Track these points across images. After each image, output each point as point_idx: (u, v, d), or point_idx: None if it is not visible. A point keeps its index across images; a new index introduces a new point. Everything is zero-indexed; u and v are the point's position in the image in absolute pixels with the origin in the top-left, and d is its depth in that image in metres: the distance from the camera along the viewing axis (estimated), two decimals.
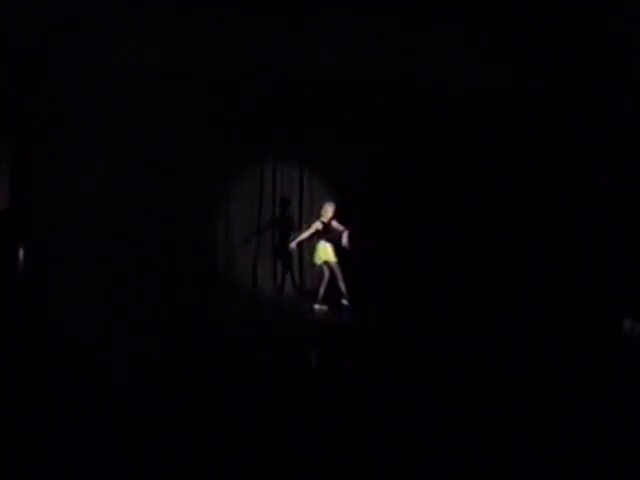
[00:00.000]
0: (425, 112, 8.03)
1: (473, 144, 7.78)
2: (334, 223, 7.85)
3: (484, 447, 3.61)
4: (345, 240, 7.68)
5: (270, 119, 8.41)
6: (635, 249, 6.35)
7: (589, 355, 5.25)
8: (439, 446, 3.60)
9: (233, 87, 8.02)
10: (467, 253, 7.69)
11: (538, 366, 5.01)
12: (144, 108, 7.12)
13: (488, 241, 7.50)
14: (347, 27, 6.99)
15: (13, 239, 6.41)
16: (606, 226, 6.59)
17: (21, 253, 6.37)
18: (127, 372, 4.68)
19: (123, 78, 7.00)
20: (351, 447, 3.61)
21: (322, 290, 7.84)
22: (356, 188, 8.71)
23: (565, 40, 6.83)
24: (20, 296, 6.16)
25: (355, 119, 8.31)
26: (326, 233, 7.86)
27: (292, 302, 8.57)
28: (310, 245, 8.32)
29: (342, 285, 7.80)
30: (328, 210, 7.88)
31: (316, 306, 7.79)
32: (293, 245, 8.23)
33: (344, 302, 7.82)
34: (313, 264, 8.22)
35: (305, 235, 8.09)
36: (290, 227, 9.01)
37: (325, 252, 7.85)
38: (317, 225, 7.91)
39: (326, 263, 7.86)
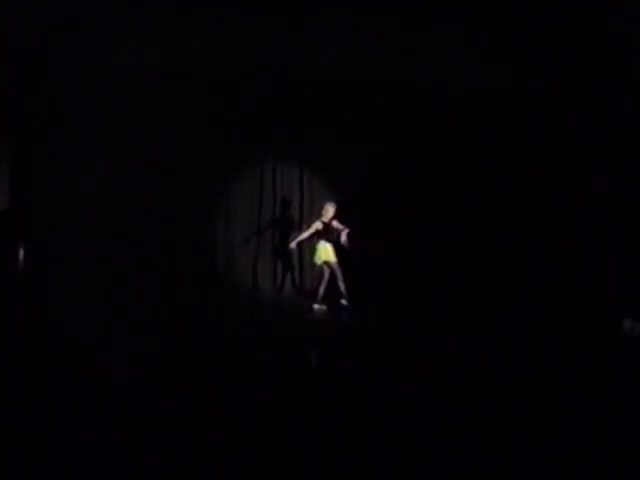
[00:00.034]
0: (425, 112, 8.02)
1: (473, 144, 7.78)
2: (334, 223, 7.86)
3: (484, 447, 3.61)
4: (344, 238, 7.68)
5: (270, 119, 8.41)
6: (635, 249, 6.35)
7: (589, 355, 5.25)
8: (439, 446, 3.60)
9: (233, 87, 8.02)
10: (467, 253, 7.69)
11: (538, 366, 5.01)
12: (144, 108, 7.12)
13: (488, 241, 7.50)
14: (347, 27, 6.99)
15: (13, 239, 6.41)
16: (606, 226, 6.59)
17: (21, 253, 6.37)
18: (127, 372, 4.68)
19: (123, 78, 6.99)
20: (351, 447, 3.61)
21: (322, 290, 7.84)
22: (356, 188, 8.70)
23: (565, 40, 6.82)
24: (20, 296, 6.16)
25: (355, 119, 8.30)
26: (326, 233, 7.87)
27: (292, 302, 8.56)
28: (310, 245, 8.32)
29: (342, 285, 7.80)
30: (329, 210, 7.89)
31: (316, 306, 7.80)
32: (293, 245, 8.24)
33: (344, 302, 7.83)
34: (313, 264, 8.22)
35: (305, 235, 8.10)
36: (290, 227, 9.00)
37: (325, 252, 7.85)
38: (317, 225, 7.92)
39: (326, 263, 7.87)
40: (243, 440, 3.65)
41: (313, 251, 8.08)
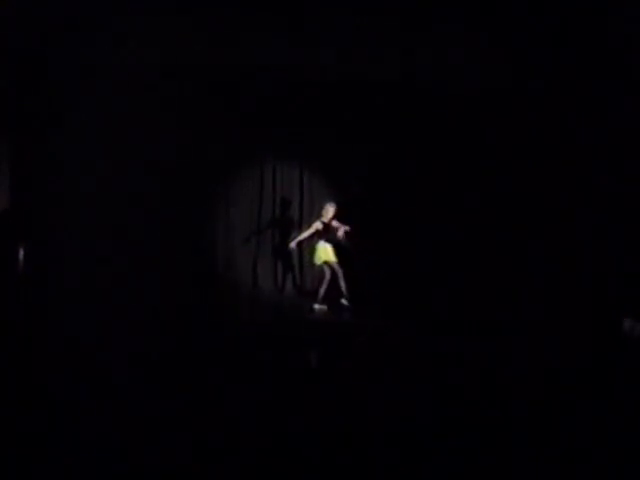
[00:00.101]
0: (425, 112, 8.02)
1: (473, 144, 7.78)
2: (334, 223, 7.86)
3: (484, 447, 3.61)
4: (341, 233, 7.70)
5: (270, 119, 8.41)
6: (635, 249, 6.35)
7: (589, 355, 5.25)
8: (439, 446, 3.60)
9: (233, 87, 8.02)
10: (467, 253, 7.69)
11: (538, 366, 5.01)
12: (144, 108, 7.12)
13: (488, 241, 7.50)
14: (347, 27, 6.99)
15: (13, 239, 6.41)
16: (606, 226, 6.59)
17: (21, 253, 6.37)
18: (127, 372, 4.68)
19: (123, 78, 7.00)
20: (351, 447, 3.61)
21: (323, 290, 7.84)
22: (356, 188, 8.70)
23: (565, 40, 6.83)
24: (20, 296, 6.16)
25: (355, 119, 8.30)
26: (326, 233, 7.87)
27: (292, 302, 8.57)
28: (310, 245, 8.32)
29: (343, 285, 7.81)
30: (329, 210, 7.89)
31: (316, 306, 7.80)
32: (293, 245, 8.24)
33: (344, 302, 7.83)
34: (313, 264, 8.23)
35: (305, 235, 8.10)
36: (290, 227, 9.00)
37: (325, 252, 7.85)
38: (317, 225, 7.92)
39: (326, 263, 7.87)
40: (243, 440, 3.65)
41: (313, 251, 8.09)
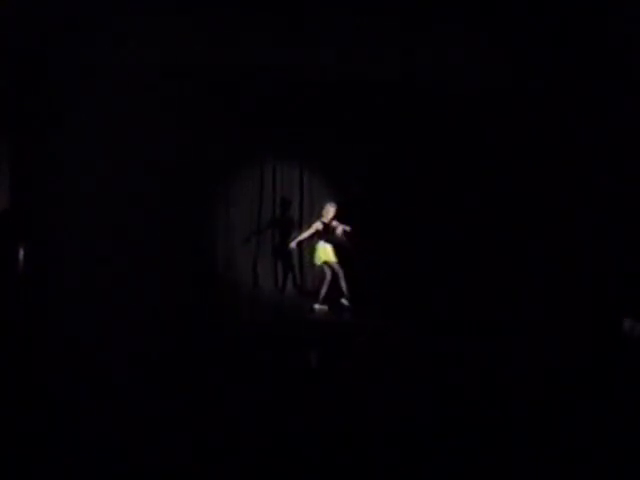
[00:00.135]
0: (425, 112, 8.02)
1: (473, 144, 7.78)
2: (334, 223, 7.86)
3: (484, 447, 3.61)
4: (339, 230, 7.70)
5: (270, 119, 8.41)
6: (635, 249, 6.35)
7: (589, 355, 5.25)
8: (439, 446, 3.60)
9: (233, 87, 8.02)
10: (467, 253, 7.69)
11: (538, 366, 5.01)
12: (144, 108, 7.12)
13: (488, 241, 7.50)
14: (347, 27, 6.99)
15: (13, 239, 6.41)
16: (606, 226, 6.59)
17: (21, 253, 6.37)
18: (127, 372, 4.68)
19: (123, 78, 6.99)
20: (351, 447, 3.61)
21: (324, 290, 7.84)
22: (356, 188, 8.70)
23: (565, 40, 6.82)
24: (20, 296, 6.16)
25: (355, 119, 8.30)
26: (326, 233, 7.87)
27: (292, 302, 8.57)
28: (310, 245, 8.32)
29: (343, 284, 7.81)
30: (329, 211, 7.89)
31: (316, 306, 7.80)
32: (293, 245, 8.24)
33: (344, 302, 7.83)
34: (313, 265, 8.23)
35: (305, 235, 8.10)
36: (290, 227, 9.00)
37: (325, 253, 7.86)
38: (317, 225, 7.92)
39: (326, 263, 7.87)
40: (243, 440, 3.65)
41: (313, 252, 8.09)
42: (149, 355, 5.09)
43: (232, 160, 8.78)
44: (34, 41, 6.54)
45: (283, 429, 3.82)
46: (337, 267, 7.83)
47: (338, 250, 7.88)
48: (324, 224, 7.87)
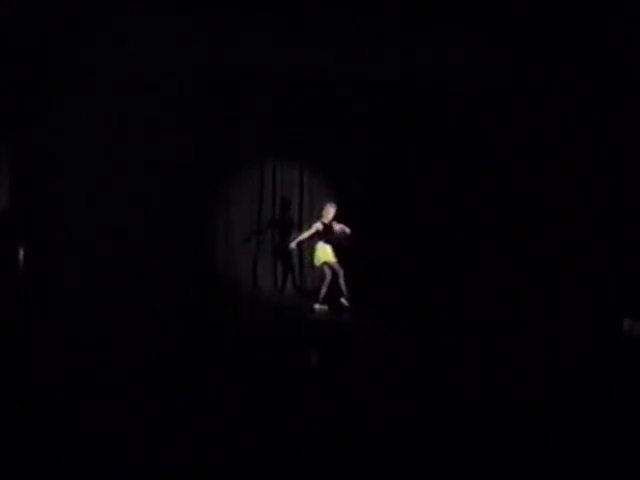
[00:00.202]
0: (425, 112, 8.02)
1: (473, 144, 7.78)
2: (335, 224, 7.86)
3: (484, 447, 3.61)
4: (338, 227, 7.71)
5: (270, 119, 8.41)
6: (635, 249, 6.35)
7: (589, 355, 5.25)
8: (439, 446, 3.60)
9: (233, 87, 8.02)
10: (467, 253, 7.69)
11: (538, 366, 5.01)
12: (144, 108, 7.12)
13: (488, 241, 7.50)
14: (347, 27, 7.00)
15: (13, 239, 6.41)
16: (606, 226, 6.59)
17: (21, 253, 6.37)
18: (127, 372, 4.68)
19: (123, 78, 7.00)
20: (351, 447, 3.61)
21: (324, 291, 7.83)
22: (356, 188, 8.70)
23: (565, 40, 6.83)
24: (20, 296, 6.16)
25: (355, 119, 8.30)
26: (326, 234, 7.87)
27: (292, 302, 8.56)
28: (310, 245, 8.31)
29: (343, 284, 7.80)
30: (330, 211, 7.88)
31: (317, 306, 7.80)
32: (293, 245, 8.23)
33: (344, 302, 7.83)
34: (312, 265, 8.22)
35: (305, 235, 8.09)
36: (290, 227, 9.00)
37: (324, 253, 7.85)
38: (318, 226, 7.91)
39: (326, 264, 7.86)
40: (243, 440, 3.65)
41: (312, 252, 8.08)
42: (149, 355, 5.08)
43: (232, 160, 8.77)
44: (34, 41, 6.55)
45: (283, 429, 3.82)
46: (337, 267, 7.83)
47: (338, 250, 7.88)
48: (324, 225, 7.87)
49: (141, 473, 3.27)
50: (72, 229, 6.90)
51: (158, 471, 3.28)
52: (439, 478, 3.34)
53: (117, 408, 3.97)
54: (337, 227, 7.81)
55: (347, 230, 7.81)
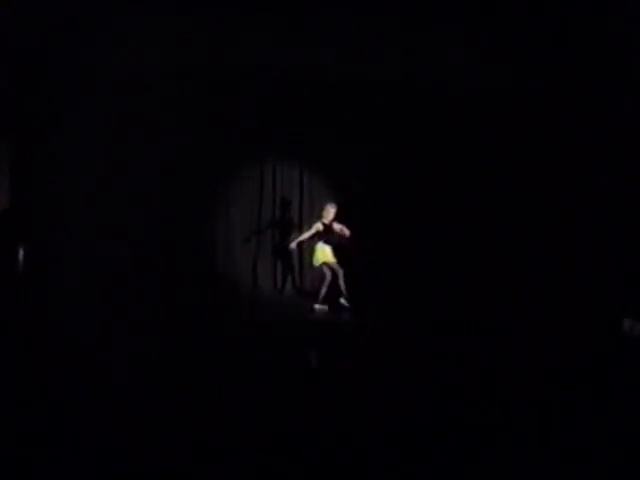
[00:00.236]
0: (425, 112, 8.02)
1: (473, 144, 7.77)
2: (335, 224, 7.86)
3: (484, 447, 3.61)
4: (337, 226, 7.71)
5: (270, 119, 8.41)
6: (635, 249, 6.35)
7: (589, 355, 5.25)
8: (439, 446, 3.60)
9: (233, 87, 8.02)
10: (467, 253, 7.68)
11: (538, 366, 5.01)
12: (144, 108, 7.12)
13: (488, 241, 7.50)
14: (347, 27, 6.99)
15: (13, 239, 6.41)
16: (606, 226, 6.59)
17: (21, 253, 6.37)
18: (127, 372, 4.68)
19: (123, 78, 6.99)
20: (351, 447, 3.61)
21: (324, 291, 7.84)
22: (356, 188, 8.70)
23: (565, 40, 6.82)
24: (20, 296, 6.16)
25: (355, 119, 8.30)
26: (326, 234, 7.87)
27: (292, 302, 8.57)
28: (310, 246, 8.31)
29: (343, 284, 7.81)
30: (330, 211, 7.89)
31: (317, 306, 7.80)
32: (293, 245, 8.23)
33: (344, 302, 7.83)
34: (312, 265, 8.22)
35: (306, 235, 8.09)
36: (290, 227, 9.00)
37: (323, 254, 7.85)
38: (318, 226, 7.91)
39: (325, 264, 7.86)
40: (243, 440, 3.65)
41: (311, 253, 8.08)
42: (149, 355, 5.08)
43: (232, 160, 8.77)
44: (34, 41, 6.54)
45: (283, 429, 3.82)
46: (337, 267, 7.83)
47: (337, 250, 7.88)
48: (324, 225, 7.87)
49: (141, 473, 3.27)
50: (72, 229, 6.90)
51: (158, 471, 3.27)
52: (439, 478, 3.34)
53: (117, 408, 3.97)
54: (337, 227, 7.82)
55: (346, 232, 7.81)
